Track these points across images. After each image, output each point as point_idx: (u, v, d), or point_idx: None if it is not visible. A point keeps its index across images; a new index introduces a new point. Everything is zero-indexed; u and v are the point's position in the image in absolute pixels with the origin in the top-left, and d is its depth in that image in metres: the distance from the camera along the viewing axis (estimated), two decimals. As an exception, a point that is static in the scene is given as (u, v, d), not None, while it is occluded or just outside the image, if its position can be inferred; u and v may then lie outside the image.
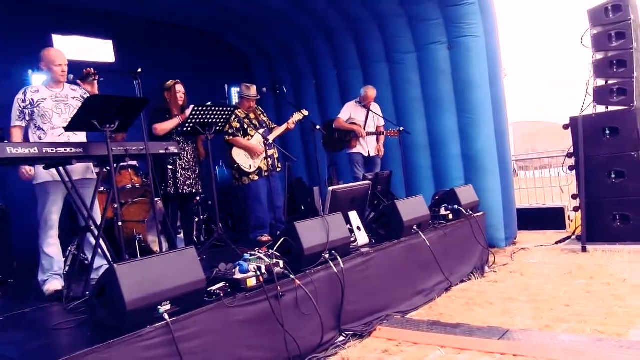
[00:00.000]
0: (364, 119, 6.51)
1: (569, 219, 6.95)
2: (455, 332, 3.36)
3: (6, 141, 3.91)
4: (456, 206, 5.03)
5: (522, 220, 6.75)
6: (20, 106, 3.67)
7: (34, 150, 3.17)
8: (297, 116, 5.63)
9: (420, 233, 4.43)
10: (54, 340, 2.66)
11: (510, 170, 6.56)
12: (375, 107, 6.55)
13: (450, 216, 5.03)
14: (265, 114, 5.94)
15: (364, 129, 6.46)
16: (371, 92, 6.48)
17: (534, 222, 7.11)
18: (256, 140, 5.52)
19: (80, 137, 3.79)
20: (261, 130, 5.60)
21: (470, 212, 5.13)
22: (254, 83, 8.46)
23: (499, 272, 5.09)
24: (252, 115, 5.69)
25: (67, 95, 3.84)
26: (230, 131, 5.42)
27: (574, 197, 6.04)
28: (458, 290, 4.58)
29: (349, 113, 6.54)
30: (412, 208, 4.49)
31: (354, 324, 3.62)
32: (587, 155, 5.71)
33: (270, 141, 5.48)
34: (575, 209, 6.07)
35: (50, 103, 3.73)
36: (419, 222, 4.50)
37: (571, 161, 5.98)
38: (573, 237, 6.18)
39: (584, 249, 5.56)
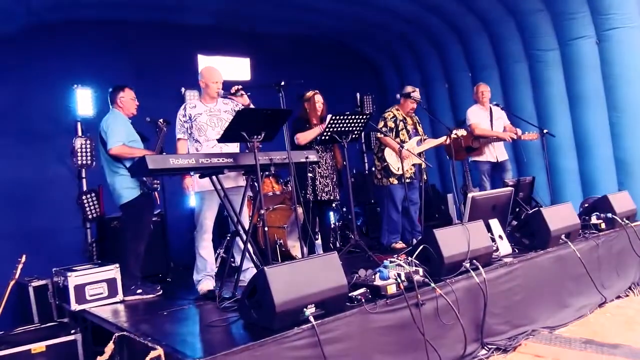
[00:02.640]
0: (488, 122, 6.10)
1: None
2: (614, 352, 3.09)
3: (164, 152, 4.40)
4: (609, 214, 4.64)
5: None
6: (181, 120, 4.10)
7: (192, 161, 3.50)
8: (453, 135, 5.38)
9: (570, 243, 4.13)
10: (210, 335, 2.89)
11: (673, 174, 5.84)
12: (495, 109, 6.12)
13: (603, 225, 4.63)
14: (420, 124, 5.81)
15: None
16: (483, 87, 6.09)
17: None
18: (409, 145, 5.49)
19: (232, 147, 4.08)
20: (416, 139, 5.57)
21: (627, 221, 4.68)
22: (384, 89, 8.59)
23: (663, 289, 4.57)
24: (409, 121, 5.64)
25: (219, 109, 4.18)
26: (383, 129, 5.46)
27: None
28: (614, 307, 4.19)
29: (478, 118, 6.12)
30: (559, 216, 4.22)
31: (497, 337, 3.46)
32: None
33: (417, 152, 5.41)
34: None
35: (205, 117, 4.09)
36: (568, 231, 4.21)
37: None
38: None
39: None
